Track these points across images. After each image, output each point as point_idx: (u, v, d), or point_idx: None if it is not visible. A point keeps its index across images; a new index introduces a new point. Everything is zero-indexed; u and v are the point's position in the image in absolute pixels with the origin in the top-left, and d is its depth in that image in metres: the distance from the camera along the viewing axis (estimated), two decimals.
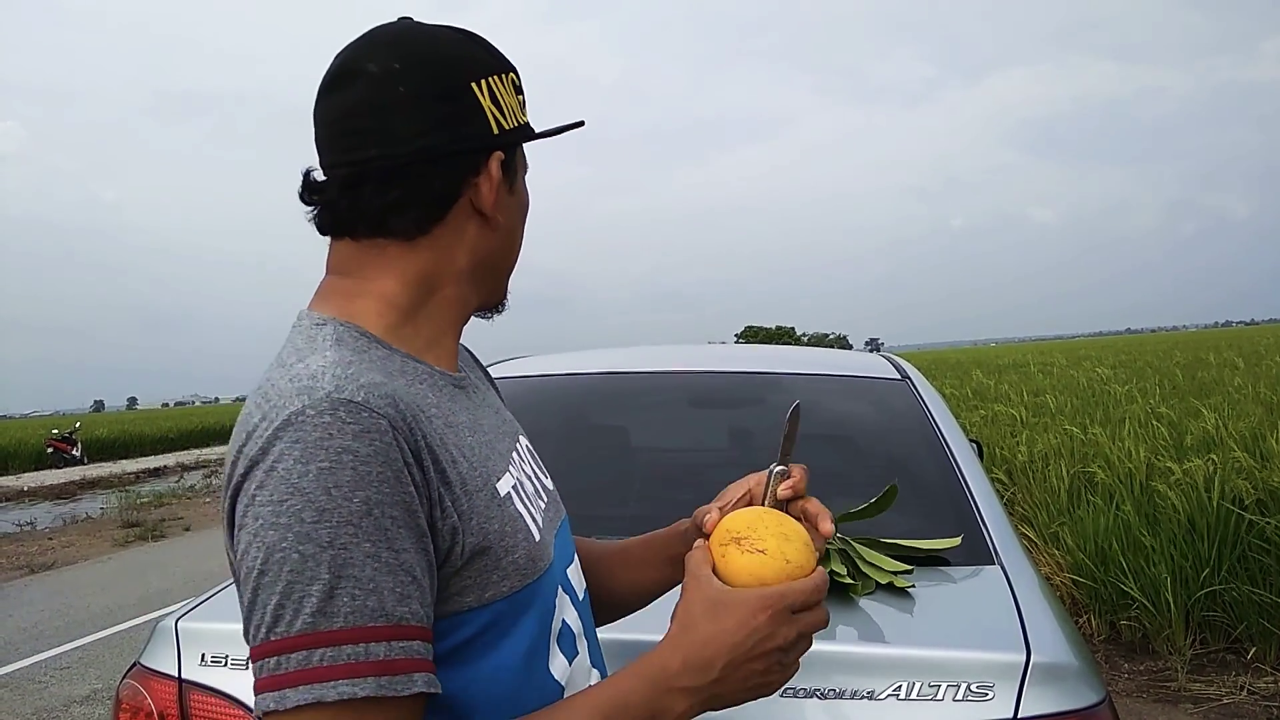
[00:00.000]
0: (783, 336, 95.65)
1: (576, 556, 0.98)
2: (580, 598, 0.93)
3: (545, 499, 0.92)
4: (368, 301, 0.83)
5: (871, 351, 2.99)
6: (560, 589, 0.88)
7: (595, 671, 0.92)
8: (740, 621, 0.74)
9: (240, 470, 0.70)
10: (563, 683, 0.84)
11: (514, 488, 0.84)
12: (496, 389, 1.05)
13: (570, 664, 0.86)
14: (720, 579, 0.78)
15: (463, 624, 0.76)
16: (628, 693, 0.74)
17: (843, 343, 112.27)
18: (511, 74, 0.87)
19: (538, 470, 0.96)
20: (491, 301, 0.93)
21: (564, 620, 0.87)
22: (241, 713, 1.34)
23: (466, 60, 0.84)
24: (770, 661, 0.75)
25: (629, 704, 0.74)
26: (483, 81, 0.84)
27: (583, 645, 0.90)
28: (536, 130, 0.89)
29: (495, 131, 0.84)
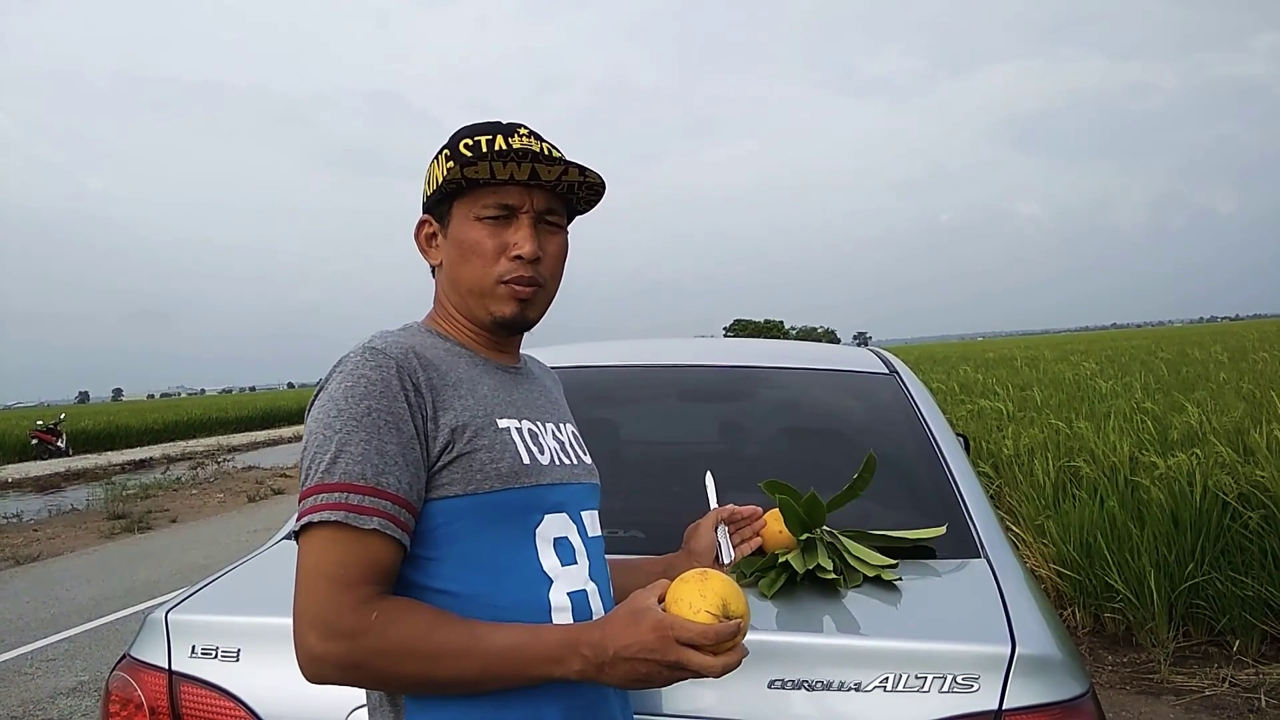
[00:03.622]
0: (771, 330, 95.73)
1: (596, 514, 1.26)
2: (589, 534, 1.21)
3: (572, 461, 1.24)
4: (434, 316, 1.26)
5: (859, 346, 3.01)
6: (566, 515, 1.18)
7: (593, 584, 1.18)
8: (636, 631, 0.97)
9: (317, 390, 1.11)
10: (552, 576, 1.13)
11: (515, 429, 1.16)
12: (561, 393, 1.41)
13: (563, 565, 1.14)
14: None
15: (452, 507, 1.08)
16: (546, 635, 1.02)
17: (831, 336, 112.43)
18: (446, 149, 1.20)
19: (575, 446, 1.28)
20: (479, 314, 1.21)
21: (566, 536, 1.16)
22: (231, 704, 1.34)
23: (432, 157, 1.23)
24: (652, 669, 0.97)
25: (543, 640, 1.01)
26: (428, 168, 1.24)
27: (583, 560, 1.17)
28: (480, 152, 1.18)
29: (424, 201, 1.25)
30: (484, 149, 1.16)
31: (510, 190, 1.17)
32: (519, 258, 1.17)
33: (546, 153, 1.18)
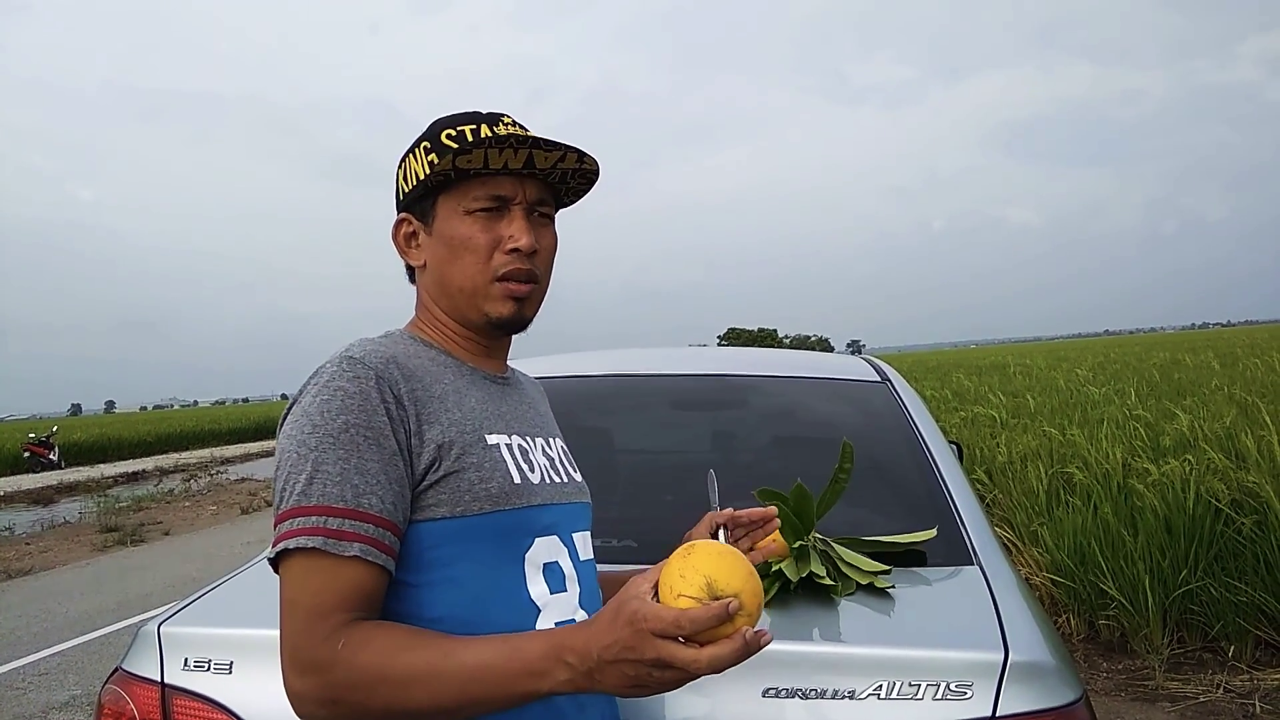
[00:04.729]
0: (765, 339, 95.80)
1: (588, 535, 1.20)
2: (581, 557, 1.15)
3: (563, 479, 1.18)
4: (417, 323, 1.19)
5: (853, 354, 3.02)
6: (557, 538, 1.11)
7: (583, 612, 1.11)
8: (615, 627, 0.84)
9: (290, 404, 1.04)
10: (540, 604, 1.06)
11: (505, 445, 1.10)
12: (548, 406, 1.34)
13: (552, 593, 1.07)
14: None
15: (437, 530, 1.01)
16: (527, 645, 0.90)
17: (824, 345, 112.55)
18: (426, 142, 1.13)
19: (565, 462, 1.22)
20: (472, 316, 1.14)
21: (556, 560, 1.10)
22: (224, 717, 1.34)
23: (404, 152, 1.17)
24: (639, 670, 0.83)
25: (524, 654, 0.89)
26: (401, 164, 1.17)
27: (573, 587, 1.11)
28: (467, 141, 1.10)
29: (400, 199, 1.18)
30: (472, 136, 1.10)
31: (502, 181, 1.10)
32: (516, 251, 1.10)
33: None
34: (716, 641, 0.81)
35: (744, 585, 0.83)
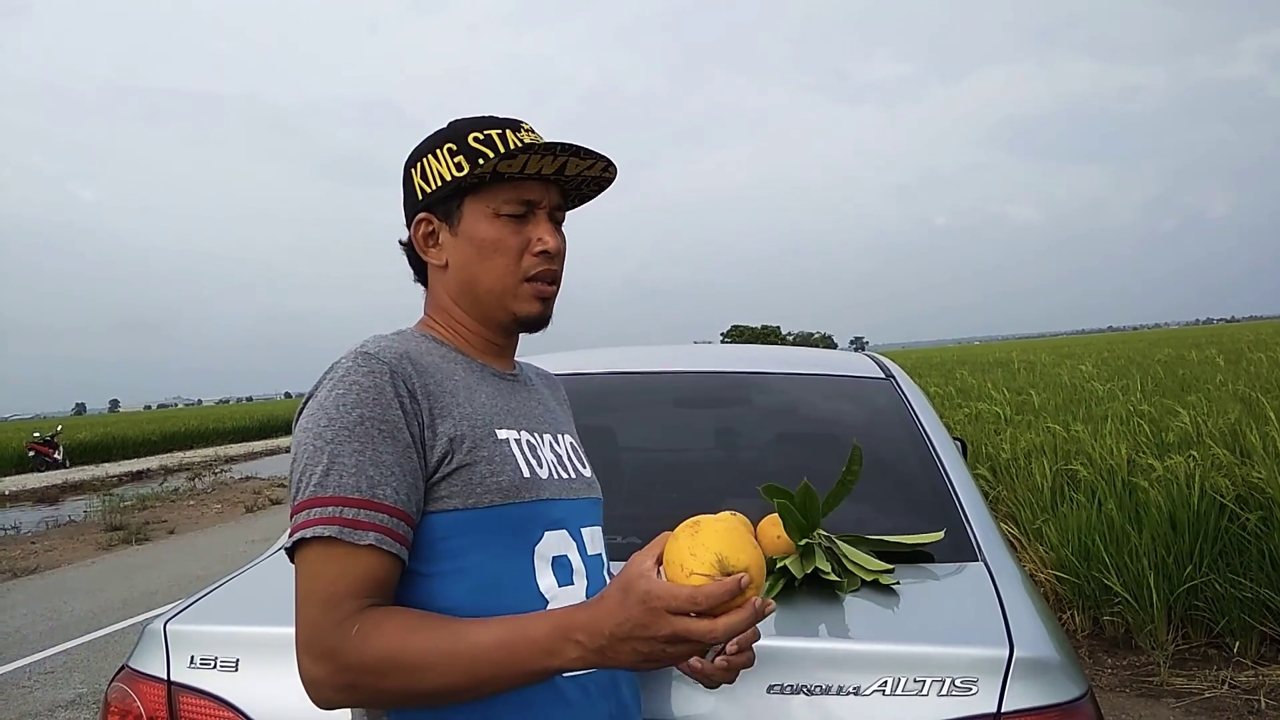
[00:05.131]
0: (768, 336, 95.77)
1: (598, 530, 1.22)
2: (589, 552, 1.17)
3: (570, 475, 1.20)
4: (429, 322, 1.21)
5: (856, 351, 3.03)
6: (566, 532, 1.13)
7: None
8: (625, 606, 0.87)
9: (305, 398, 1.06)
10: (548, 597, 1.08)
11: (514, 440, 1.12)
12: (563, 400, 1.39)
13: (560, 586, 1.09)
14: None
15: (449, 521, 1.03)
16: (533, 626, 0.93)
17: (828, 342, 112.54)
18: (450, 144, 1.14)
19: (574, 458, 1.24)
20: (497, 315, 1.17)
21: (565, 554, 1.12)
22: (230, 714, 1.34)
23: (417, 151, 1.18)
24: (653, 646, 0.87)
25: (531, 635, 0.92)
26: (418, 163, 1.17)
27: (580, 581, 1.13)
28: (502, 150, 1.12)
29: (419, 198, 1.17)
30: (501, 142, 1.12)
31: (532, 186, 1.14)
32: (544, 253, 1.14)
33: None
34: (729, 612, 0.86)
35: (751, 558, 0.88)
